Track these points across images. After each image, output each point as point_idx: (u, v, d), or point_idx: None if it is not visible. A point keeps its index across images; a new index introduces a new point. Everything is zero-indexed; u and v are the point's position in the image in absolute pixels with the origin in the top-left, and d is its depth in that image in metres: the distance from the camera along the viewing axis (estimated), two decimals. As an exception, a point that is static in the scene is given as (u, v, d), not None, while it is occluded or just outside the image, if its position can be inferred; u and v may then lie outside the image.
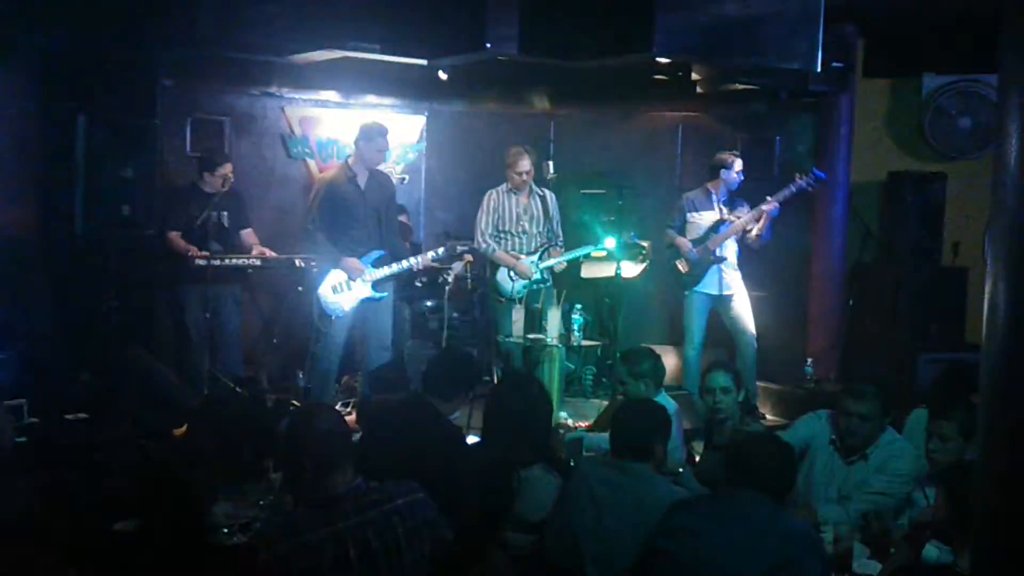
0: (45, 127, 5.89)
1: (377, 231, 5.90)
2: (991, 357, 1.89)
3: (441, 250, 6.04)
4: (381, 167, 6.11)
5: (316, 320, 5.86)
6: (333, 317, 5.81)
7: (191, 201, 6.15)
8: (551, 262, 6.35)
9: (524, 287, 6.27)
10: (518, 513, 3.47)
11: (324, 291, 5.80)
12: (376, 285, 5.86)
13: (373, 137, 5.82)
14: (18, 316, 5.53)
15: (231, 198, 6.27)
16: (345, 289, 5.80)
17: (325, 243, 5.78)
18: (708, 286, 6.45)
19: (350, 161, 5.92)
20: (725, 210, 6.44)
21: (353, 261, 5.77)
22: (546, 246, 6.37)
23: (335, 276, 5.81)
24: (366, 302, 5.86)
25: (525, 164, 6.24)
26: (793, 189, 6.28)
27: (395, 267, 5.89)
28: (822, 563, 2.96)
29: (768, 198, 6.29)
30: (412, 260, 5.89)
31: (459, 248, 6.30)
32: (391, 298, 6.04)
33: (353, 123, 6.67)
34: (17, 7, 5.52)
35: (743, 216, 6.37)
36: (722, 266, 6.40)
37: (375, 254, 5.87)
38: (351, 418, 5.66)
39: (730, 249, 6.45)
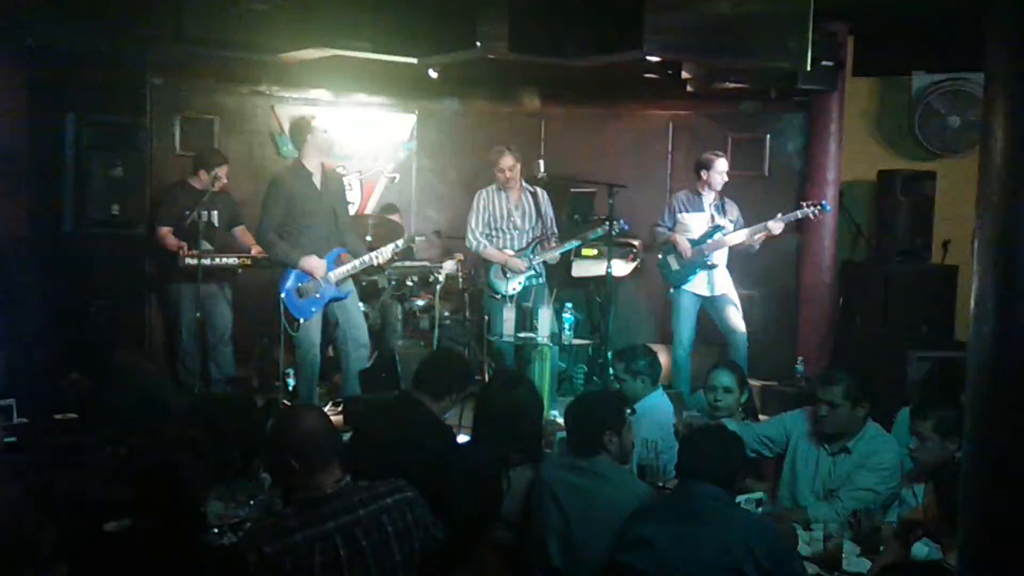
0: (33, 127, 5.86)
1: (335, 229, 5.86)
2: (977, 354, 1.89)
3: (400, 242, 6.02)
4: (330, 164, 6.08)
5: (284, 325, 5.81)
6: (302, 320, 5.76)
7: (181, 197, 6.13)
8: (545, 255, 6.34)
9: (518, 283, 6.26)
10: (506, 511, 3.47)
11: (288, 296, 5.75)
12: (339, 283, 5.84)
13: (312, 129, 5.76)
14: (7, 316, 5.50)
15: (221, 197, 6.25)
16: (309, 292, 5.75)
17: (282, 247, 5.70)
18: (697, 287, 6.47)
19: (301, 159, 5.83)
20: (716, 215, 6.46)
21: (312, 260, 5.69)
22: (539, 239, 6.36)
23: (297, 279, 5.75)
24: (332, 302, 5.83)
25: (508, 161, 6.22)
26: (799, 215, 6.37)
27: (356, 263, 5.86)
28: (779, 552, 2.96)
29: (780, 216, 6.33)
30: (372, 255, 5.86)
31: (417, 239, 6.29)
32: (357, 295, 6.01)
33: (345, 121, 6.66)
34: (3, 6, 5.50)
35: (741, 229, 6.41)
36: (713, 269, 6.43)
37: (334, 252, 5.83)
38: (338, 418, 5.66)
39: (721, 253, 6.47)
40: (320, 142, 5.80)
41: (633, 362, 4.65)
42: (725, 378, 4.52)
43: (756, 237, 6.36)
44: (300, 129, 5.81)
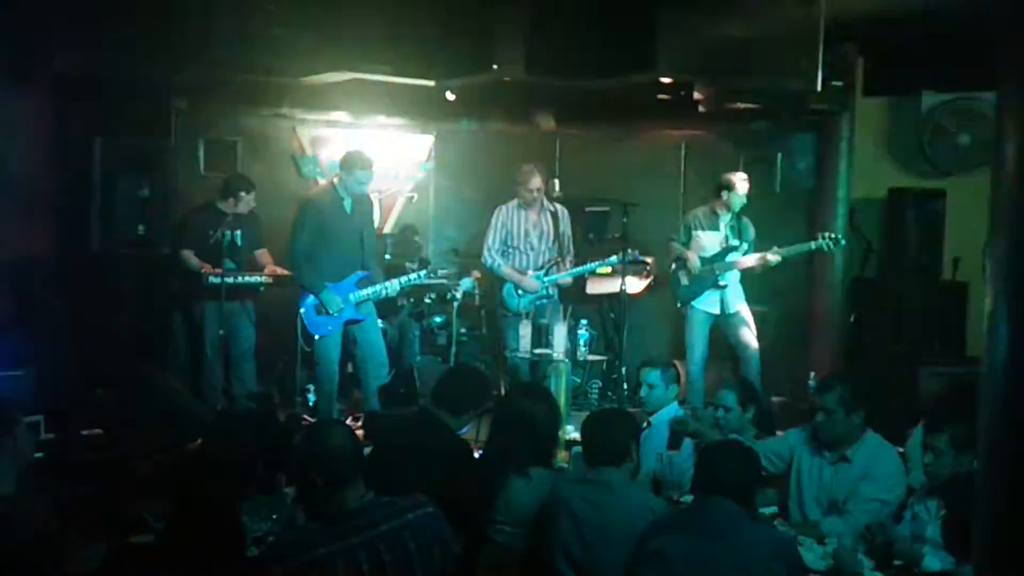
0: (62, 149, 5.99)
1: (360, 252, 5.98)
2: (992, 372, 1.92)
3: (423, 272, 6.14)
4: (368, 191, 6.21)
5: (301, 342, 5.91)
6: (317, 336, 5.88)
7: (206, 220, 6.24)
8: (557, 277, 6.43)
9: (530, 302, 6.35)
10: (513, 507, 3.51)
11: (307, 313, 5.87)
12: (359, 306, 5.95)
13: (352, 170, 5.90)
14: (36, 334, 5.60)
15: (246, 218, 6.35)
16: (326, 311, 5.87)
17: (308, 274, 5.85)
18: (709, 305, 6.53)
19: (336, 182, 5.99)
20: (731, 236, 6.53)
21: (331, 298, 5.83)
22: (553, 261, 6.44)
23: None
24: (351, 323, 5.95)
25: (536, 182, 6.33)
26: (812, 247, 6.40)
27: (378, 288, 5.97)
28: (796, 568, 2.99)
29: (775, 249, 6.38)
30: (384, 287, 5.97)
31: (439, 272, 6.39)
32: (376, 316, 6.12)
33: (365, 142, 6.76)
34: (33, 32, 5.63)
35: (750, 255, 6.48)
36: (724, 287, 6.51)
37: (357, 275, 5.95)
38: (358, 433, 5.73)
39: (731, 273, 6.53)
40: (350, 185, 5.92)
41: (667, 370, 4.73)
42: (726, 398, 4.57)
43: (758, 262, 6.45)
44: (345, 164, 5.95)
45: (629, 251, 6.22)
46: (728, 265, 6.47)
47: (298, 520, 3.39)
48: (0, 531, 2.97)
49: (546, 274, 6.42)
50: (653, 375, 4.66)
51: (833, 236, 6.41)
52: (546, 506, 3.39)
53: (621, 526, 3.18)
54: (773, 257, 6.37)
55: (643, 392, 4.66)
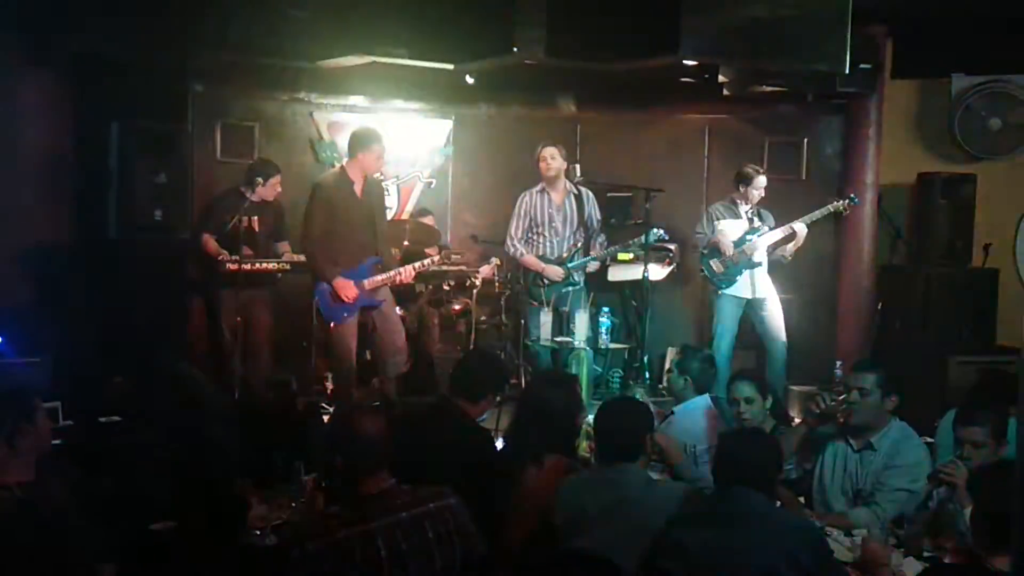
0: (78, 133, 5.99)
1: (372, 237, 5.89)
2: None
3: (427, 261, 6.07)
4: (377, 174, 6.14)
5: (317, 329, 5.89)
6: (332, 324, 5.82)
7: (227, 205, 6.21)
8: (581, 263, 6.35)
9: (557, 288, 6.29)
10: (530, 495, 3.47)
11: (322, 298, 5.81)
12: (374, 292, 5.87)
13: (370, 144, 5.78)
14: (52, 320, 5.60)
15: (266, 206, 6.30)
16: (341, 299, 5.80)
17: (321, 260, 5.76)
18: (740, 289, 6.45)
19: (347, 167, 5.89)
20: (756, 220, 6.47)
21: (345, 284, 5.73)
22: (578, 247, 6.37)
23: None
24: (367, 310, 5.88)
25: (549, 150, 6.27)
26: (831, 209, 6.36)
27: (391, 274, 5.90)
28: (822, 555, 2.95)
29: (799, 220, 6.32)
30: (397, 272, 5.87)
31: (453, 256, 6.32)
32: (392, 302, 6.04)
33: (383, 127, 6.71)
34: (50, 15, 5.61)
35: (776, 230, 6.40)
36: (755, 270, 6.41)
37: (371, 260, 5.87)
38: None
39: (762, 253, 6.46)
40: (368, 162, 5.81)
41: (687, 361, 4.66)
42: (745, 388, 4.43)
43: (789, 247, 6.35)
44: (362, 141, 5.80)
45: (654, 229, 6.13)
46: (753, 246, 6.40)
47: (317, 508, 3.39)
48: (19, 517, 2.99)
49: (571, 260, 6.35)
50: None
51: (847, 198, 6.38)
52: (563, 507, 3.33)
53: (641, 521, 3.13)
54: (799, 225, 6.30)
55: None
